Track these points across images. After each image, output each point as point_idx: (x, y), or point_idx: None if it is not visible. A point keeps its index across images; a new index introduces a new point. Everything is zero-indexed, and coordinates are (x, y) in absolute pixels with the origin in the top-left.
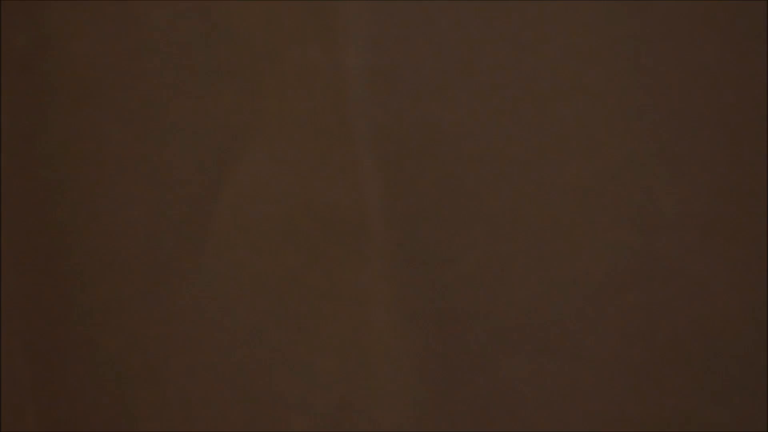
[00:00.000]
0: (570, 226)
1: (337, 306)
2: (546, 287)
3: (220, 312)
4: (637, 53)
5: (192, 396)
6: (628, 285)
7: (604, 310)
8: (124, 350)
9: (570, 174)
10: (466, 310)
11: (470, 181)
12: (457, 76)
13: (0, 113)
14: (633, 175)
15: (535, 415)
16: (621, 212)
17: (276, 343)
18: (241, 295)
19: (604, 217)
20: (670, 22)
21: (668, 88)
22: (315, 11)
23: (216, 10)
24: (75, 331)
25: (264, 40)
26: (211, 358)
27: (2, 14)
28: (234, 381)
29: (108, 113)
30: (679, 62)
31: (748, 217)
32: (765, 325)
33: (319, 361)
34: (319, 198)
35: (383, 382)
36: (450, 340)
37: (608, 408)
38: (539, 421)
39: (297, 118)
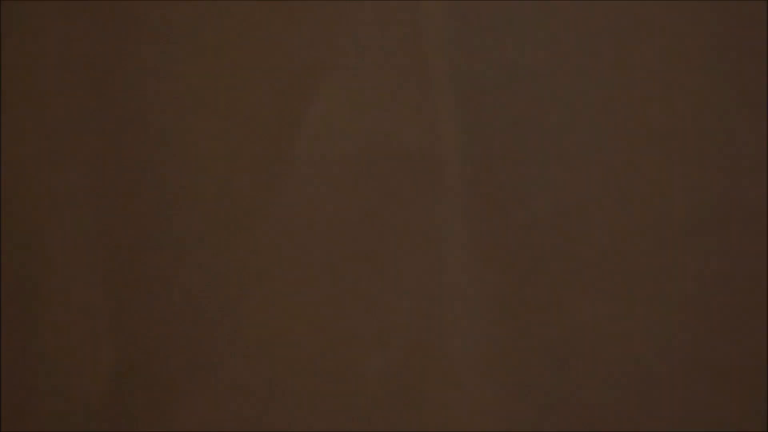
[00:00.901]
0: (649, 167)
1: (412, 245)
2: (624, 229)
3: (296, 250)
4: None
5: (268, 332)
6: (708, 227)
7: (683, 253)
8: (201, 287)
9: (651, 115)
10: (541, 251)
11: (547, 121)
12: (535, 15)
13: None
14: (715, 115)
15: (611, 358)
16: (702, 153)
17: (351, 281)
18: (318, 233)
19: (685, 158)
20: None
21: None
22: None
23: None
24: (153, 267)
25: None
26: (288, 296)
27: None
28: (311, 319)
29: (186, 50)
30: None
31: None
32: None
33: (394, 300)
34: (395, 137)
35: (458, 322)
36: (525, 281)
37: (687, 349)
38: (616, 365)
39: (375, 57)
